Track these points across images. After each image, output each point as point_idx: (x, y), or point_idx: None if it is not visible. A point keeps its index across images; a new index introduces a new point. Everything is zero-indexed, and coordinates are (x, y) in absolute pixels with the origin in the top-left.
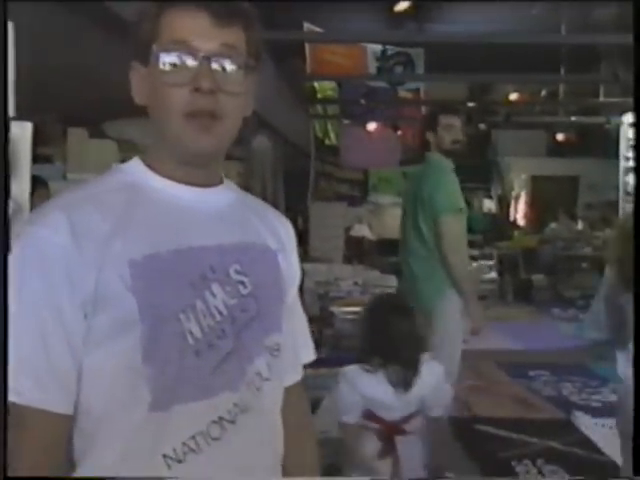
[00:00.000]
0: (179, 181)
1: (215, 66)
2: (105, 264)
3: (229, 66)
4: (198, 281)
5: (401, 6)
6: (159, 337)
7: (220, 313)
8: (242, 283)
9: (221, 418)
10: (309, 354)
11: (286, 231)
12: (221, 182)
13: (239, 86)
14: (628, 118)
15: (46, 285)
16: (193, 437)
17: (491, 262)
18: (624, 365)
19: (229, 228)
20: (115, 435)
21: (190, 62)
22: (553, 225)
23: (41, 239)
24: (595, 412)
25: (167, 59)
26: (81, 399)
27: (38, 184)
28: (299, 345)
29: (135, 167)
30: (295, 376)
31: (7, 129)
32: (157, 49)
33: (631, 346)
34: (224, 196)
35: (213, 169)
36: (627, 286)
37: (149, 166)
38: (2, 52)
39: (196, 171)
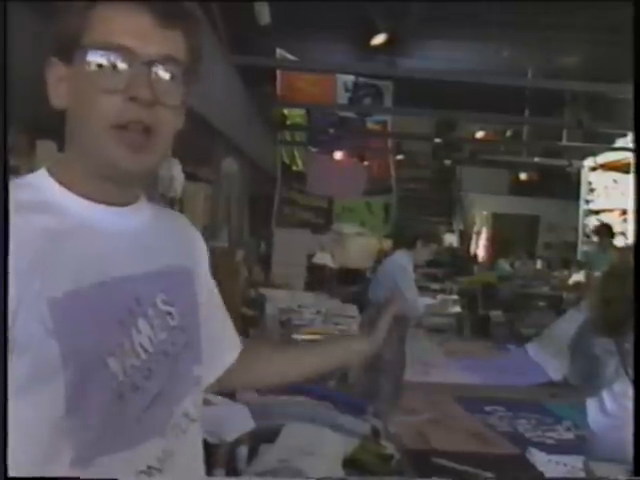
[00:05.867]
0: (96, 200)
1: (154, 73)
2: (22, 305)
3: (169, 74)
4: (127, 317)
5: (378, 40)
6: (85, 386)
7: (145, 351)
8: (170, 314)
9: (150, 467)
10: (235, 353)
11: (196, 237)
12: (137, 199)
13: (178, 97)
14: (589, 162)
15: None
16: None
17: (454, 296)
18: (595, 413)
19: (152, 252)
20: None
21: (124, 66)
22: (516, 263)
23: None
24: (550, 449)
25: (97, 60)
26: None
27: None
28: (223, 348)
29: (44, 182)
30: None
31: (6, 130)
32: (86, 47)
33: (604, 394)
34: (143, 215)
35: (135, 186)
36: (611, 329)
37: (59, 181)
38: (2, 52)
39: (116, 189)
